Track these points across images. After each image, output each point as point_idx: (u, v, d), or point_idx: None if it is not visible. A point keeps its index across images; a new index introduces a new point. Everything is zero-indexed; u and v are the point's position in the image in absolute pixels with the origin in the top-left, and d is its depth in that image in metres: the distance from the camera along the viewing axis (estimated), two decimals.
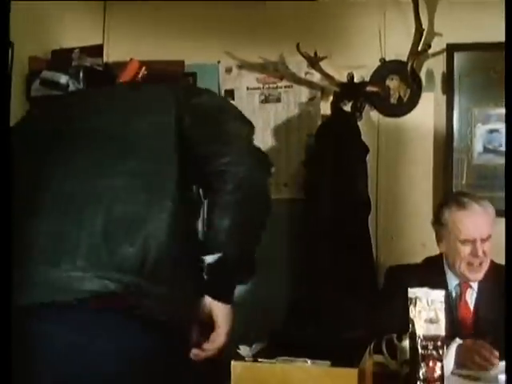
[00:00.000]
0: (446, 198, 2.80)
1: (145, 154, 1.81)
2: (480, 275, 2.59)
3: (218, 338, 1.82)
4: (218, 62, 3.77)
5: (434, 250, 2.75)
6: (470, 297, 2.62)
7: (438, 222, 2.67)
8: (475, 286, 2.63)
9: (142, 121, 1.86)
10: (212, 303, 1.80)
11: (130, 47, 3.59)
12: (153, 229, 1.72)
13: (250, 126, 1.99)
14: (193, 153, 1.84)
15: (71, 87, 3.20)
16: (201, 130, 1.86)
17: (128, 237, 1.71)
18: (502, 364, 2.22)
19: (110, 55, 3.61)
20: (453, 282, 2.63)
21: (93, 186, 1.77)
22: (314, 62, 3.47)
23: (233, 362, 1.89)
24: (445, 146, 3.58)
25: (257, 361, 1.91)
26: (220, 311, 1.81)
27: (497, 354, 2.26)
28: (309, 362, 1.88)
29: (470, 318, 2.60)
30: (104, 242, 1.71)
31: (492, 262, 2.67)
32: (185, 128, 1.85)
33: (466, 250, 2.57)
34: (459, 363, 2.28)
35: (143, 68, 3.09)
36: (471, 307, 2.61)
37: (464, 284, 2.62)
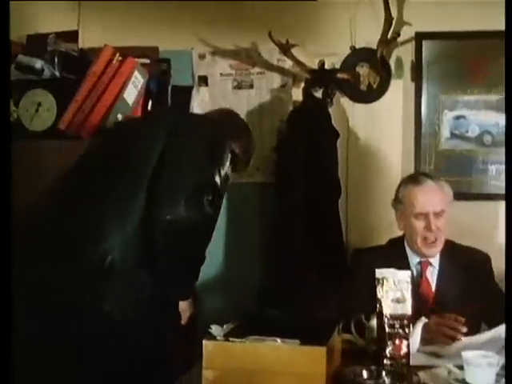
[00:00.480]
0: (405, 177, 2.90)
1: None
2: (435, 251, 2.70)
3: (184, 315, 2.49)
4: (192, 48, 3.79)
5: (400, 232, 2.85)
6: (431, 275, 2.71)
7: (396, 200, 2.78)
8: (436, 263, 2.72)
9: None
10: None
11: (104, 33, 3.62)
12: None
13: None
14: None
15: (46, 72, 3.22)
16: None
17: None
18: (466, 340, 2.31)
19: (86, 41, 3.62)
20: (414, 260, 2.72)
21: None
22: (285, 50, 3.51)
23: (204, 341, 1.95)
24: (413, 131, 3.67)
25: (228, 340, 1.97)
26: (181, 304, 2.49)
27: (463, 320, 2.35)
28: (279, 340, 1.94)
29: (431, 295, 2.69)
30: None
31: (452, 242, 2.77)
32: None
33: (420, 224, 2.67)
34: (426, 340, 2.37)
35: (117, 54, 3.12)
36: (432, 284, 2.70)
37: (424, 262, 2.72)
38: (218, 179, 2.33)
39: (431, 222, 2.66)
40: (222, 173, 2.38)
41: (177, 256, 2.29)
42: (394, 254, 2.71)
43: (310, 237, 3.32)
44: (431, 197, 2.69)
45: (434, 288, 2.70)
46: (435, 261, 2.73)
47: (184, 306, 2.51)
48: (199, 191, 2.25)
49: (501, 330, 2.20)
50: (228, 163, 2.49)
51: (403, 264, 2.62)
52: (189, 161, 2.30)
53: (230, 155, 2.52)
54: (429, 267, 2.72)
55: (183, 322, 2.52)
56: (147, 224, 2.23)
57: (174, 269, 2.32)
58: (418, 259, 2.73)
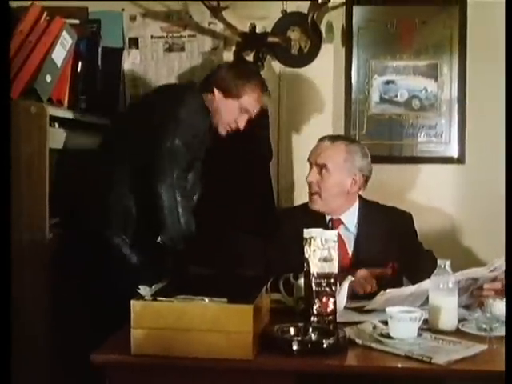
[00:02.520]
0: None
1: None
2: (315, 206, 2.80)
3: None
4: (122, 9, 3.73)
5: None
6: (344, 232, 2.77)
7: None
8: (348, 222, 2.79)
9: None
10: None
11: None
12: None
13: None
14: None
15: None
16: None
17: None
18: (391, 291, 2.35)
19: None
20: (328, 217, 2.79)
21: None
22: (216, 12, 3.48)
23: (132, 301, 1.96)
24: (344, 96, 3.71)
25: (156, 300, 1.97)
26: None
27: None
28: (206, 299, 1.96)
29: (346, 253, 2.77)
30: None
31: (375, 202, 2.84)
32: None
33: (308, 176, 2.79)
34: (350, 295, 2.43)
35: (45, 14, 3.06)
36: (345, 240, 2.76)
37: (335, 220, 2.79)
38: None
39: (310, 172, 2.80)
40: None
41: None
42: (314, 212, 2.77)
43: (242, 199, 3.32)
44: (318, 150, 2.82)
45: (350, 247, 2.77)
46: (350, 221, 2.78)
47: None
48: None
49: (424, 286, 2.27)
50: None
51: (320, 221, 2.73)
52: None
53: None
54: (341, 226, 2.78)
55: None
56: None
57: None
58: (329, 217, 2.79)
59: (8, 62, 2.62)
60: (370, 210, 2.81)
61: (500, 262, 2.34)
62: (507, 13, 2.35)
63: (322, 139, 2.87)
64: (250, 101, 2.94)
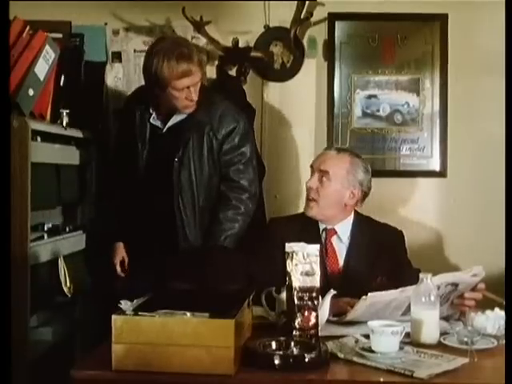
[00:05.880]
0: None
1: None
2: (311, 212, 2.78)
3: None
4: (105, 23, 3.75)
5: None
6: (338, 245, 2.78)
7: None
8: (342, 233, 2.79)
9: None
10: None
11: (15, 6, 3.51)
12: None
13: None
14: None
15: None
16: None
17: None
18: (372, 295, 2.34)
19: None
20: (321, 227, 2.79)
21: None
22: (199, 27, 3.50)
23: (113, 316, 1.94)
24: (326, 110, 3.73)
25: (137, 314, 1.96)
26: None
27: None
28: (188, 314, 1.95)
29: (337, 265, 2.76)
30: None
31: (368, 217, 2.85)
32: None
33: (308, 182, 2.80)
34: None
35: (28, 27, 3.05)
36: (337, 252, 2.77)
37: (329, 230, 2.79)
38: None
39: (311, 178, 2.79)
40: None
41: None
42: (307, 222, 2.78)
43: None
44: (323, 157, 2.82)
45: (341, 258, 2.77)
46: (343, 232, 2.79)
47: None
48: None
49: (407, 292, 2.27)
50: None
51: (313, 231, 2.75)
52: None
53: None
54: (334, 236, 2.79)
55: None
56: None
57: None
58: (324, 226, 2.80)
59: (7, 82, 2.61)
60: (363, 224, 2.82)
61: (479, 269, 2.35)
62: (507, 12, 2.36)
63: (328, 148, 2.93)
64: (174, 78, 2.91)
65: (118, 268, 3.19)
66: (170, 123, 3.07)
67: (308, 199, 2.79)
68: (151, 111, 3.10)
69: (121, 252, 3.20)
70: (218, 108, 3.09)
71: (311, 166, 2.83)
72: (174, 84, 2.91)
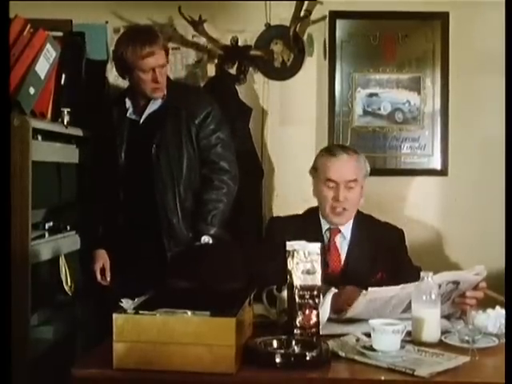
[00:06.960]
0: (322, 148, 2.96)
1: None
2: (343, 219, 2.76)
3: None
4: (106, 22, 3.75)
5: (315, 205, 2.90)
6: (341, 243, 2.77)
7: (313, 168, 2.84)
8: (347, 233, 2.78)
9: None
10: None
11: (15, 4, 3.51)
12: None
13: None
14: None
15: None
16: None
17: None
18: (373, 290, 2.33)
19: None
20: (325, 226, 2.78)
21: None
22: (197, 25, 3.50)
23: (114, 315, 1.94)
24: (327, 108, 3.73)
25: (138, 313, 1.96)
26: None
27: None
28: (189, 313, 1.94)
29: (339, 263, 2.75)
30: None
31: (370, 216, 2.85)
32: None
33: (330, 193, 2.73)
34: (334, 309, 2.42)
35: (28, 26, 3.05)
36: (342, 253, 2.76)
37: (334, 229, 2.78)
38: None
39: (340, 192, 2.73)
40: None
41: None
42: (309, 221, 2.79)
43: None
44: (343, 167, 2.75)
45: (343, 256, 2.77)
46: (346, 231, 2.79)
47: None
48: None
49: (408, 289, 2.26)
50: None
51: (315, 230, 2.73)
52: None
53: None
54: (338, 235, 2.78)
55: None
56: None
57: None
58: (327, 226, 2.79)
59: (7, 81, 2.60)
60: (364, 223, 2.81)
61: (481, 268, 2.35)
62: (507, 12, 2.35)
63: (332, 153, 2.79)
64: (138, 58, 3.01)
65: (98, 275, 3.20)
66: (145, 113, 3.13)
67: (338, 209, 2.75)
68: (127, 106, 3.16)
69: (101, 258, 3.21)
70: (192, 93, 3.22)
71: (331, 181, 2.73)
72: (140, 65, 3.02)
